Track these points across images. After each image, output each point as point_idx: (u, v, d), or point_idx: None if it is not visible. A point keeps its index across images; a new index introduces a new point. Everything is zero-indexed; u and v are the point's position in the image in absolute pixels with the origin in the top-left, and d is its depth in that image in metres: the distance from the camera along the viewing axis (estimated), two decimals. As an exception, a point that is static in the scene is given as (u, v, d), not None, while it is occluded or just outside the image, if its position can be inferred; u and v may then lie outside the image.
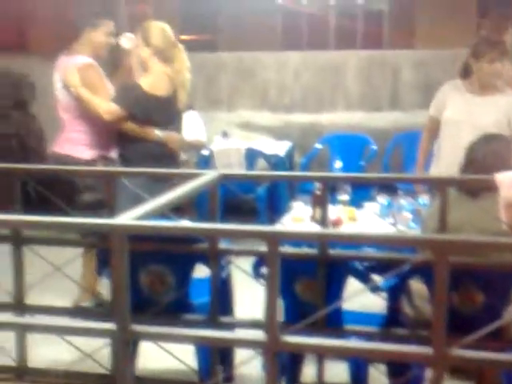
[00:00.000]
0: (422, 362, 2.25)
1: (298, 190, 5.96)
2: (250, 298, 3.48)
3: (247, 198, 5.68)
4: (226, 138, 6.41)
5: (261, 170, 6.19)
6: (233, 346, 2.81)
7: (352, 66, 6.91)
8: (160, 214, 2.27)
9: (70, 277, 2.96)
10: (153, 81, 4.11)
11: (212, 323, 2.82)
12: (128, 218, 2.01)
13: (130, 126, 4.09)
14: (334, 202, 3.83)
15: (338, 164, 6.35)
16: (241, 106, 7.08)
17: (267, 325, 1.88)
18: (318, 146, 6.44)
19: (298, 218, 3.71)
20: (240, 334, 2.70)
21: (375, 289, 2.86)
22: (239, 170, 5.96)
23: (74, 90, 4.18)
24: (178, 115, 4.29)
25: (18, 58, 7.54)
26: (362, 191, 4.05)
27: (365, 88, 6.88)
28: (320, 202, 3.67)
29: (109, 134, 4.26)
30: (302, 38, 10.30)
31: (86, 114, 4.18)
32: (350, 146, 6.37)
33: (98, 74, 4.29)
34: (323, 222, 2.83)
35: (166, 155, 4.13)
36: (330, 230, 2.97)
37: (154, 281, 3.06)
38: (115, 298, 2.00)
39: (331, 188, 3.61)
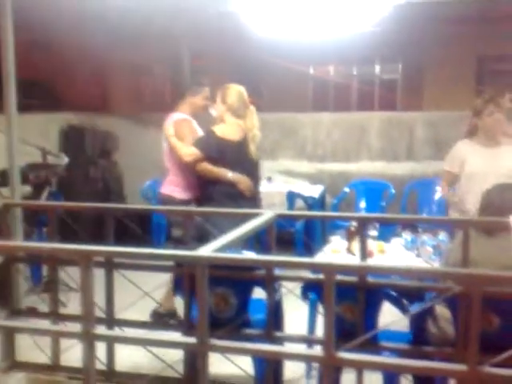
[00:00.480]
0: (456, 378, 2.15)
1: (329, 225, 5.92)
2: (298, 316, 3.44)
3: (287, 232, 5.66)
4: (270, 182, 6.41)
5: (299, 208, 6.16)
6: (293, 359, 2.72)
7: (374, 125, 6.90)
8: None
9: (153, 298, 2.94)
10: (225, 128, 4.10)
11: (268, 337, 2.77)
12: (208, 250, 1.99)
13: (207, 167, 4.03)
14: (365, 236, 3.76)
15: (363, 204, 6.31)
16: (282, 156, 7.09)
17: (325, 342, 1.83)
18: (346, 189, 6.39)
19: (336, 249, 3.66)
20: (300, 349, 2.63)
21: (406, 311, 2.79)
22: (281, 209, 5.95)
23: (168, 139, 4.26)
24: (249, 161, 4.12)
25: (103, 117, 7.68)
26: (388, 228, 3.97)
27: (384, 143, 6.86)
28: (354, 237, 3.63)
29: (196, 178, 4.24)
30: (329, 102, 10.33)
31: (180, 160, 4.19)
32: (372, 189, 6.32)
33: (189, 127, 4.32)
34: (363, 255, 2.76)
35: (234, 194, 4.00)
36: (374, 264, 2.88)
37: (219, 301, 3.02)
38: (199, 315, 1.97)
39: (361, 224, 3.55)
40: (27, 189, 4.76)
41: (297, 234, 5.83)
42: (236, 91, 4.10)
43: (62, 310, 3.20)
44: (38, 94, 7.60)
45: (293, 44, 7.64)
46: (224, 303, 3.03)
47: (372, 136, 6.88)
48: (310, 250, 6.21)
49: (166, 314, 4.23)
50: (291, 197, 5.99)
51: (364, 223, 2.98)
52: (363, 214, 3.65)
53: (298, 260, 1.87)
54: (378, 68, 10.13)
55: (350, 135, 6.95)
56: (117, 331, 2.62)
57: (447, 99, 8.20)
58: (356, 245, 3.61)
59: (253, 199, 4.07)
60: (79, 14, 6.54)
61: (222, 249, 2.08)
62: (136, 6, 5.96)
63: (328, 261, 1.90)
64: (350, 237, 3.60)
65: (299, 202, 6.15)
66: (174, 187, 4.34)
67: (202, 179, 4.13)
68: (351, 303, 2.71)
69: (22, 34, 4.40)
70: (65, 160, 4.99)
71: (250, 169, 4.10)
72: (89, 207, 3.23)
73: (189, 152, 4.07)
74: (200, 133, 4.37)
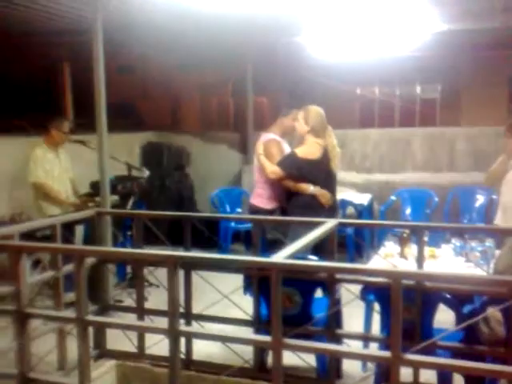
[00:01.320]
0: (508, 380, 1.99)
1: (378, 231, 5.75)
2: (354, 313, 3.32)
3: (339, 235, 5.51)
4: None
5: (350, 214, 6.02)
6: (362, 359, 2.59)
7: (417, 139, 6.67)
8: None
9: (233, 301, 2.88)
10: (305, 149, 4.04)
11: (329, 335, 2.67)
12: (281, 256, 1.91)
13: (288, 183, 4.05)
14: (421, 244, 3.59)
15: (408, 211, 6.10)
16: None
17: (392, 345, 1.72)
18: (393, 197, 6.19)
19: (390, 253, 3.50)
20: (368, 350, 2.50)
21: (459, 312, 2.63)
22: (334, 215, 5.82)
23: (257, 156, 4.32)
24: (328, 176, 4.10)
25: (177, 134, 7.75)
26: (437, 234, 3.78)
27: (427, 155, 6.62)
28: (407, 243, 3.48)
29: (282, 191, 4.24)
30: (374, 118, 10.10)
31: (266, 176, 4.24)
32: (417, 197, 6.10)
33: (276, 147, 4.35)
34: (419, 262, 2.62)
35: (315, 205, 3.97)
36: (437, 272, 2.70)
37: (285, 300, 2.94)
38: (273, 317, 1.89)
39: (412, 231, 3.39)
40: (115, 198, 4.81)
41: (348, 237, 5.68)
42: (317, 113, 4.05)
43: (145, 304, 3.18)
44: (124, 114, 7.75)
45: (342, 67, 7.49)
46: (289, 301, 2.95)
47: (416, 149, 6.65)
48: (360, 253, 6.05)
49: None
50: (343, 204, 5.85)
51: (418, 230, 2.83)
52: (419, 222, 3.46)
53: (367, 267, 1.77)
54: (418, 88, 9.85)
55: (395, 149, 6.74)
56: (198, 328, 2.56)
57: (482, 116, 7.93)
58: (408, 250, 3.46)
59: (331, 209, 4.06)
60: (157, 41, 6.62)
61: (293, 255, 2.00)
62: (207, 33, 5.97)
63: (396, 268, 1.78)
64: (402, 242, 3.44)
65: (350, 209, 6.00)
66: (261, 199, 4.39)
67: (287, 192, 4.15)
68: (409, 304, 2.58)
69: (110, 60, 4.47)
70: (146, 173, 5.04)
71: (330, 182, 4.09)
72: (168, 215, 3.22)
73: (273, 170, 4.10)
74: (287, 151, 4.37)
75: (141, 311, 3.08)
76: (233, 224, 6.13)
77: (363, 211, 5.93)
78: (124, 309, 3.24)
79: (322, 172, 4.03)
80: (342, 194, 6.27)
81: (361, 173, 6.80)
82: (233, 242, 6.25)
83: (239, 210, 6.45)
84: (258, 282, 2.87)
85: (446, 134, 6.61)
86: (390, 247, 3.59)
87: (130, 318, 3.14)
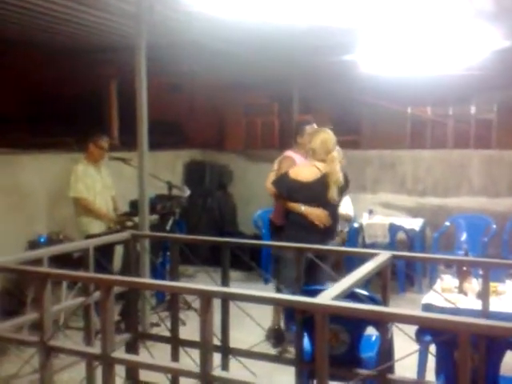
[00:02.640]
0: None
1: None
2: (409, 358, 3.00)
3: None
4: (372, 214, 5.97)
5: (400, 240, 5.69)
6: None
7: (475, 162, 6.28)
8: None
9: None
10: (298, 170, 3.95)
11: (380, 380, 2.38)
12: (327, 298, 1.67)
13: (282, 201, 4.02)
14: (476, 275, 3.26)
15: (463, 237, 5.73)
16: (382, 190, 6.63)
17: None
18: (447, 223, 5.82)
19: (447, 287, 3.18)
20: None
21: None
22: (383, 240, 5.51)
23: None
24: (324, 201, 3.84)
25: (220, 153, 7.64)
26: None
27: (485, 179, 6.20)
28: (467, 277, 3.16)
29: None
30: (426, 139, 9.65)
31: None
32: (473, 224, 5.71)
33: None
34: (484, 301, 2.32)
35: (306, 225, 3.84)
36: None
37: (331, 338, 2.67)
38: (318, 361, 1.64)
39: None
40: (154, 217, 4.68)
41: (398, 270, 5.37)
42: (321, 138, 3.88)
43: (182, 329, 2.97)
44: (169, 132, 7.70)
45: (393, 85, 7.19)
46: (336, 340, 2.68)
47: (472, 172, 6.25)
48: (411, 282, 5.70)
49: (275, 329, 4.24)
50: (393, 229, 5.53)
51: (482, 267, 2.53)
52: (483, 259, 3.10)
53: (428, 316, 1.51)
54: (473, 108, 9.38)
55: (450, 171, 6.36)
56: (233, 374, 2.33)
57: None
58: (468, 285, 3.14)
59: (327, 231, 3.88)
60: (203, 60, 6.55)
61: (343, 294, 1.76)
62: (255, 53, 5.84)
63: (464, 319, 1.51)
64: (462, 276, 3.12)
65: (400, 234, 5.67)
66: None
67: (285, 209, 4.08)
68: (471, 351, 2.27)
69: (158, 77, 4.40)
70: (187, 192, 4.90)
71: (326, 207, 3.85)
72: (205, 241, 3.02)
73: (268, 187, 4.17)
74: None
75: (175, 342, 2.88)
76: (275, 247, 5.90)
77: (415, 237, 5.58)
78: (158, 338, 3.05)
79: (313, 197, 3.84)
80: (392, 218, 5.96)
81: (412, 196, 6.44)
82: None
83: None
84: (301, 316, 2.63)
85: (505, 157, 6.18)
86: (447, 280, 3.27)
87: (164, 349, 2.94)
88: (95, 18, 4.78)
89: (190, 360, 2.39)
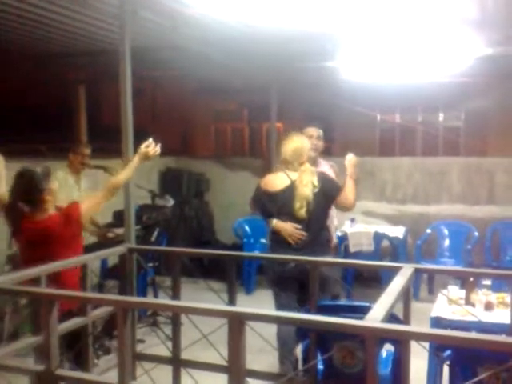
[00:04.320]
0: None
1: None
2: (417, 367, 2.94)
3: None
4: (354, 222, 5.93)
5: (384, 248, 5.68)
6: None
7: (455, 170, 6.34)
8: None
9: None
10: (267, 179, 3.60)
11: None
12: (376, 320, 1.56)
13: (259, 214, 3.74)
14: (479, 286, 3.24)
15: (446, 244, 5.76)
16: (362, 198, 6.59)
17: None
18: (428, 231, 5.84)
19: (454, 300, 3.12)
20: None
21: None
22: (368, 248, 5.46)
23: None
24: (290, 211, 3.45)
25: (196, 160, 7.46)
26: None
27: (465, 186, 6.26)
28: (474, 288, 3.12)
29: None
30: (395, 147, 9.73)
31: None
32: (455, 232, 5.75)
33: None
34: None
35: (281, 240, 3.48)
36: None
37: (346, 355, 2.57)
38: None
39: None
40: (137, 227, 4.47)
41: (383, 274, 5.33)
42: (293, 146, 3.53)
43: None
44: (141, 140, 7.43)
45: (363, 91, 7.19)
46: (351, 357, 2.57)
47: (452, 180, 6.31)
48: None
49: None
50: (378, 237, 5.50)
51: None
52: (487, 270, 3.07)
53: (475, 337, 1.42)
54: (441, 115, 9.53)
55: (429, 179, 6.40)
56: None
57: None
58: (475, 296, 3.10)
59: (304, 247, 3.42)
60: (175, 64, 6.38)
61: (387, 316, 1.65)
62: (230, 57, 5.71)
63: (494, 338, 1.43)
64: (468, 287, 3.08)
65: (385, 242, 5.66)
66: None
67: None
68: (495, 366, 2.21)
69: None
70: (171, 202, 4.71)
71: (297, 219, 3.45)
72: (210, 254, 2.87)
73: (250, 201, 3.78)
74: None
75: (177, 363, 2.72)
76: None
77: (399, 245, 5.57)
78: (156, 359, 2.86)
79: (283, 208, 3.48)
80: (373, 226, 5.94)
81: (392, 204, 6.45)
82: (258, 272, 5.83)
83: (264, 240, 6.10)
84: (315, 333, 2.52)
85: (484, 165, 6.27)
86: (453, 292, 3.22)
87: (165, 370, 2.77)
88: (68, 20, 4.56)
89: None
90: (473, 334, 1.64)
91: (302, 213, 3.40)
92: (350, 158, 3.64)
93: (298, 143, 3.56)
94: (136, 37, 4.32)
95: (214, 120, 9.77)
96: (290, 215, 3.45)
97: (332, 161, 4.22)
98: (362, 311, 2.53)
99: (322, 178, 3.51)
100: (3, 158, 3.60)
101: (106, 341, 4.08)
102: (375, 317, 1.58)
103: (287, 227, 3.45)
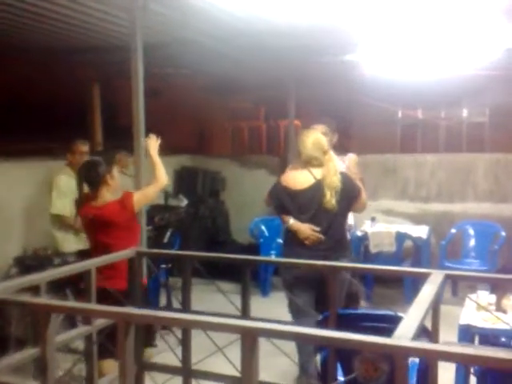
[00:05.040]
0: None
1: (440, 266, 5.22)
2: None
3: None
4: (374, 222, 5.73)
5: (407, 248, 5.47)
6: None
7: (481, 166, 6.08)
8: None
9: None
10: (289, 176, 3.52)
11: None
12: (406, 337, 1.38)
13: (276, 213, 3.64)
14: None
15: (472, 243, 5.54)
16: (383, 196, 6.38)
17: None
18: (453, 230, 5.61)
19: (483, 306, 2.92)
20: None
21: None
22: (390, 248, 5.26)
23: None
24: (319, 209, 3.36)
25: (212, 159, 7.32)
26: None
27: (491, 184, 6.00)
28: (506, 293, 2.91)
29: None
30: (417, 144, 9.46)
31: None
32: (481, 232, 5.51)
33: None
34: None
35: (295, 243, 3.41)
36: None
37: (368, 367, 2.39)
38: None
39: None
40: (148, 228, 4.34)
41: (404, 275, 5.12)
42: (312, 140, 3.44)
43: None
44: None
45: (386, 86, 6.97)
46: (374, 369, 2.39)
47: (478, 177, 6.05)
48: (417, 290, 5.44)
49: None
50: (400, 237, 5.29)
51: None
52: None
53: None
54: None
55: (455, 176, 6.15)
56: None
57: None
58: (507, 302, 2.89)
59: (315, 249, 3.33)
60: (189, 61, 6.23)
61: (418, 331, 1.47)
62: (245, 52, 5.54)
63: None
64: (499, 292, 2.87)
65: (407, 243, 5.44)
66: None
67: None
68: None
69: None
70: (184, 202, 4.57)
71: (321, 217, 3.36)
72: (223, 258, 2.70)
73: (265, 198, 3.69)
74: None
75: (187, 373, 2.56)
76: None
77: (423, 245, 5.36)
78: (165, 369, 2.72)
79: (305, 206, 3.39)
80: (395, 225, 5.73)
81: (415, 202, 6.22)
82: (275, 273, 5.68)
83: (280, 240, 5.93)
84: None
85: (514, 161, 6.01)
86: (482, 297, 3.02)
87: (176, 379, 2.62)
88: (77, 15, 4.43)
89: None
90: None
91: (333, 203, 3.31)
92: (352, 158, 3.57)
93: (316, 136, 3.49)
94: (147, 32, 4.19)
95: (230, 118, 9.62)
96: (310, 216, 3.37)
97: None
98: (386, 321, 2.36)
99: (344, 176, 3.43)
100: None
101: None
102: (405, 333, 1.40)
103: (304, 229, 3.36)
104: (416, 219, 6.06)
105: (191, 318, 1.60)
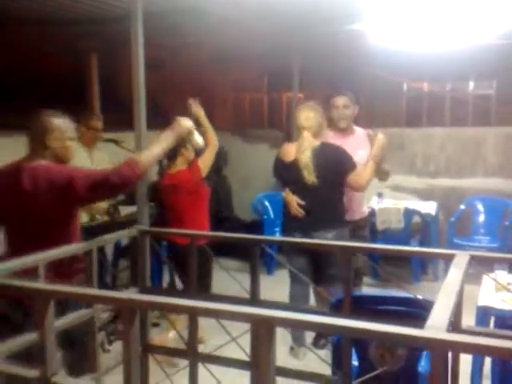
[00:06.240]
0: None
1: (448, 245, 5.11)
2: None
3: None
4: (381, 198, 5.59)
5: (415, 224, 5.35)
6: None
7: (491, 140, 5.92)
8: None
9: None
10: (284, 148, 3.61)
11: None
12: (441, 329, 1.26)
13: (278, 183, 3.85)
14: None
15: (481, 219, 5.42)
16: (391, 172, 6.23)
17: None
18: (462, 206, 5.48)
19: (502, 285, 2.81)
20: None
21: None
22: (398, 225, 5.14)
23: None
24: (299, 182, 3.43)
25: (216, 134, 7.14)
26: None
27: (501, 158, 5.84)
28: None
29: None
30: (423, 117, 9.26)
31: None
32: (491, 207, 5.39)
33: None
34: None
35: (288, 216, 3.54)
36: None
37: (385, 352, 2.29)
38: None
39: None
40: (151, 204, 4.20)
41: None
42: (304, 114, 3.48)
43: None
44: (153, 113, 7.12)
45: (395, 57, 6.75)
46: (390, 354, 2.29)
47: (488, 151, 5.89)
48: (425, 270, 5.35)
49: None
50: (409, 214, 5.16)
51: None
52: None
53: None
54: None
55: (464, 150, 5.99)
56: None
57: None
58: (527, 282, 2.78)
59: (303, 221, 3.45)
60: (192, 30, 6.01)
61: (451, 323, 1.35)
62: (252, 19, 5.33)
63: None
64: (519, 273, 2.76)
65: (416, 219, 5.32)
66: None
67: None
68: None
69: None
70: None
71: (303, 190, 3.44)
72: (230, 238, 2.58)
73: None
74: None
75: (194, 358, 2.46)
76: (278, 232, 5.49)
77: (431, 222, 5.24)
78: (170, 352, 2.62)
79: (294, 178, 3.46)
80: (402, 201, 5.60)
81: (423, 177, 6.08)
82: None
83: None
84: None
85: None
86: (501, 277, 2.90)
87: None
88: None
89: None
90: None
91: (311, 178, 3.38)
92: (380, 138, 3.43)
93: (308, 110, 3.47)
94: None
95: (232, 90, 9.37)
96: (297, 185, 3.43)
97: None
98: (407, 304, 2.25)
99: (331, 149, 3.42)
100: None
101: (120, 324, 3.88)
102: (439, 325, 1.28)
103: (290, 201, 3.47)
104: (424, 195, 5.93)
105: (200, 305, 1.47)
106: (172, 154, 3.75)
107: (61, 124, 2.47)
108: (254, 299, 2.38)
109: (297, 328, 1.35)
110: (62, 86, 7.37)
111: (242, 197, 6.65)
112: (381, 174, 3.77)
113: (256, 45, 6.71)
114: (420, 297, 2.15)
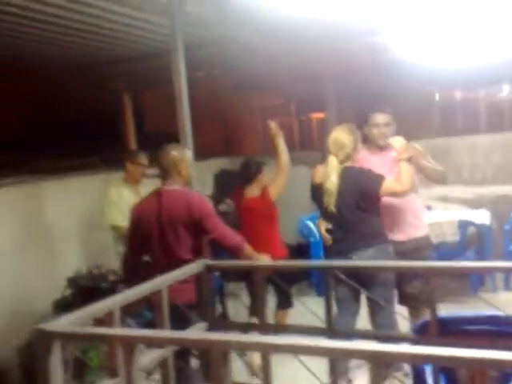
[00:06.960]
0: None
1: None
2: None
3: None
4: (430, 210, 5.41)
5: (470, 237, 5.14)
6: None
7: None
8: None
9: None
10: (314, 170, 3.42)
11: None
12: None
13: None
14: None
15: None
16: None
17: None
18: (517, 214, 5.28)
19: None
20: None
21: None
22: (453, 238, 4.95)
23: None
24: (324, 207, 3.30)
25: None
26: None
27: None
28: None
29: None
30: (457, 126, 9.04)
31: None
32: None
33: None
34: None
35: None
36: None
37: (476, 375, 2.14)
38: None
39: None
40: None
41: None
42: (333, 137, 3.31)
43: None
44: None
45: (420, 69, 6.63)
46: (482, 378, 2.14)
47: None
48: (481, 281, 5.13)
49: None
50: (464, 225, 4.96)
51: None
52: None
53: None
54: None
55: (510, 157, 5.80)
56: None
57: None
58: None
59: (337, 245, 3.35)
60: (221, 62, 6.05)
61: None
62: (280, 46, 5.32)
63: None
64: None
65: (471, 230, 5.12)
66: None
67: None
68: None
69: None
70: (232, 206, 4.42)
71: (328, 215, 3.32)
72: (300, 266, 2.49)
73: None
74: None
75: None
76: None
77: (487, 232, 5.04)
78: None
79: (321, 201, 3.32)
80: (452, 212, 5.41)
81: (470, 186, 5.89)
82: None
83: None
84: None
85: None
86: None
87: None
88: (108, 24, 4.28)
89: None
90: None
91: (331, 207, 3.25)
92: (397, 140, 3.32)
93: (339, 134, 3.31)
94: (184, 33, 4.01)
95: (260, 117, 9.38)
96: (323, 209, 3.35)
97: None
98: (495, 323, 2.10)
99: (353, 173, 3.25)
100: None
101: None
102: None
103: (319, 225, 3.53)
104: (472, 204, 5.72)
105: (303, 343, 1.36)
106: (250, 177, 3.97)
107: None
108: (330, 329, 2.27)
109: (403, 362, 1.25)
110: (94, 127, 7.48)
111: (284, 221, 6.54)
112: (432, 174, 3.56)
113: (283, 70, 6.71)
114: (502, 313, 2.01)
